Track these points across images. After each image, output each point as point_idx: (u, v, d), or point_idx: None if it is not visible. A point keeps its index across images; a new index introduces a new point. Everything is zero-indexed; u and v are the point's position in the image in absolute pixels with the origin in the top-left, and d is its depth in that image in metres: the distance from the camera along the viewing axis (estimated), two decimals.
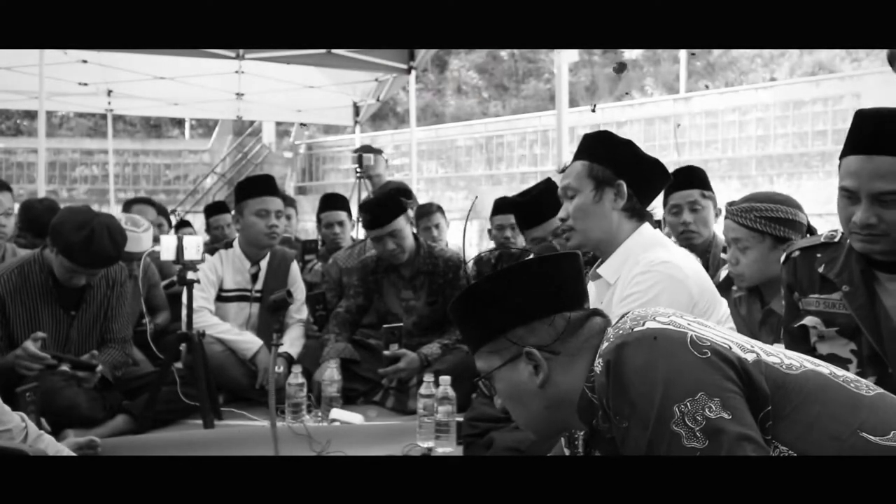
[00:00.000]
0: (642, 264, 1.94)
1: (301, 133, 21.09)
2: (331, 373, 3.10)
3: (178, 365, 3.02)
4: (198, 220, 6.06)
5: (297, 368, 3.03)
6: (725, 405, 1.10)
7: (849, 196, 1.62)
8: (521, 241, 4.13)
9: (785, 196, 2.25)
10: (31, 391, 2.43)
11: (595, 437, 1.33)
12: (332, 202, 4.50)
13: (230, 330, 3.34)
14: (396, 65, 6.72)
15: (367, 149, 5.36)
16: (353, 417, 2.94)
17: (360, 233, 5.04)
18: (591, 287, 2.03)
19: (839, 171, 1.64)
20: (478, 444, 2.38)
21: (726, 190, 8.00)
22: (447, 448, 2.60)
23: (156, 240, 3.38)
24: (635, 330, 1.21)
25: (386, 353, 3.20)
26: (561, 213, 2.07)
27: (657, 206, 2.18)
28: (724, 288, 2.45)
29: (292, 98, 8.37)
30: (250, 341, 3.33)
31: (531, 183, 3.82)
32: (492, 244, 3.99)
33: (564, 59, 4.95)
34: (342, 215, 4.45)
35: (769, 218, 2.17)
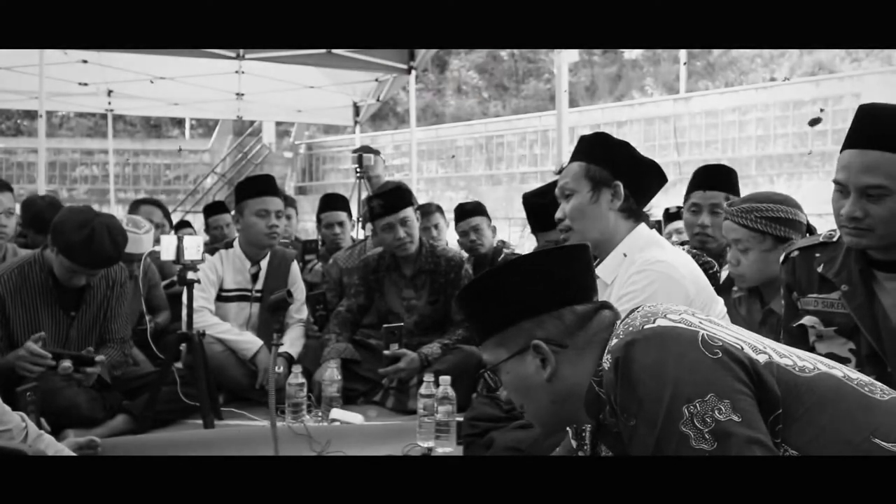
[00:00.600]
0: (638, 264, 1.94)
1: (301, 133, 21.11)
2: (331, 373, 3.10)
3: (179, 365, 3.02)
4: (198, 221, 6.05)
5: (297, 368, 3.03)
6: (736, 407, 1.08)
7: (840, 189, 1.63)
8: (487, 241, 4.12)
9: (784, 196, 2.25)
10: (31, 391, 2.43)
11: (602, 431, 1.32)
12: (332, 202, 4.51)
13: (230, 330, 3.34)
14: (396, 65, 6.71)
15: (366, 149, 5.36)
16: (353, 417, 2.94)
17: (360, 233, 5.06)
18: None
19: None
20: (478, 443, 2.37)
21: None
22: (447, 448, 2.60)
23: (157, 241, 3.37)
24: (646, 327, 1.18)
25: (386, 352, 3.20)
26: (558, 214, 2.09)
27: (654, 207, 2.18)
28: (724, 288, 2.45)
29: (292, 98, 8.37)
30: (250, 341, 3.33)
31: (531, 183, 3.81)
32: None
33: (564, 59, 4.96)
34: (342, 215, 4.47)
35: (769, 218, 2.16)
